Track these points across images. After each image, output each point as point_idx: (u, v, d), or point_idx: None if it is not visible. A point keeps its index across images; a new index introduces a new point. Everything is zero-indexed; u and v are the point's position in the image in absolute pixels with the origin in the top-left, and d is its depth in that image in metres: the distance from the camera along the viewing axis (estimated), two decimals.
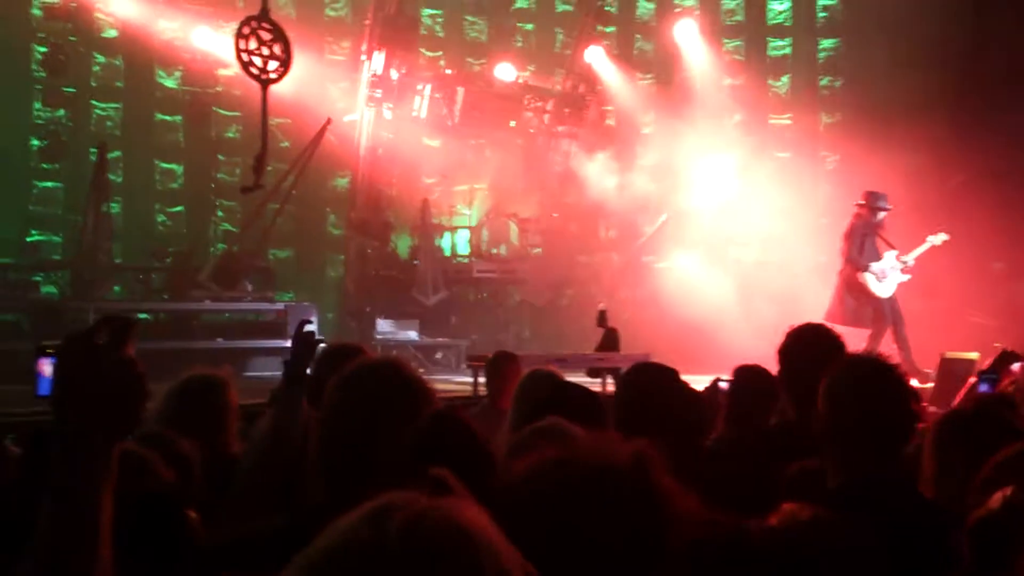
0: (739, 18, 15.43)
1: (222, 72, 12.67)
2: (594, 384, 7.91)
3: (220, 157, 13.35)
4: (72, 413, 1.39)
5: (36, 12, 12.34)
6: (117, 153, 12.61)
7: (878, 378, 2.34)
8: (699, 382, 3.95)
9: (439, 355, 12.42)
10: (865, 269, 9.80)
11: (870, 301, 9.80)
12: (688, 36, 14.62)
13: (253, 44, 10.41)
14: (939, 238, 9.97)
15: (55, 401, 1.41)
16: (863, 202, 9.97)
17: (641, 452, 1.47)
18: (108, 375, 1.41)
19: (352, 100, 13.28)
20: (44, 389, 1.53)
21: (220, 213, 13.33)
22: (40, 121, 12.36)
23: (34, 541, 1.36)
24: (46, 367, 1.51)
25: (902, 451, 2.39)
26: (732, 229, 13.15)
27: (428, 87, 13.57)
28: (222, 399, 3.79)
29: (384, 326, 12.14)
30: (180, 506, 2.21)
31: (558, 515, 1.42)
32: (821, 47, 15.31)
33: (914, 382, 8.13)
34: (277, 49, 10.41)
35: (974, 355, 7.23)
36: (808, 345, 3.45)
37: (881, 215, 9.94)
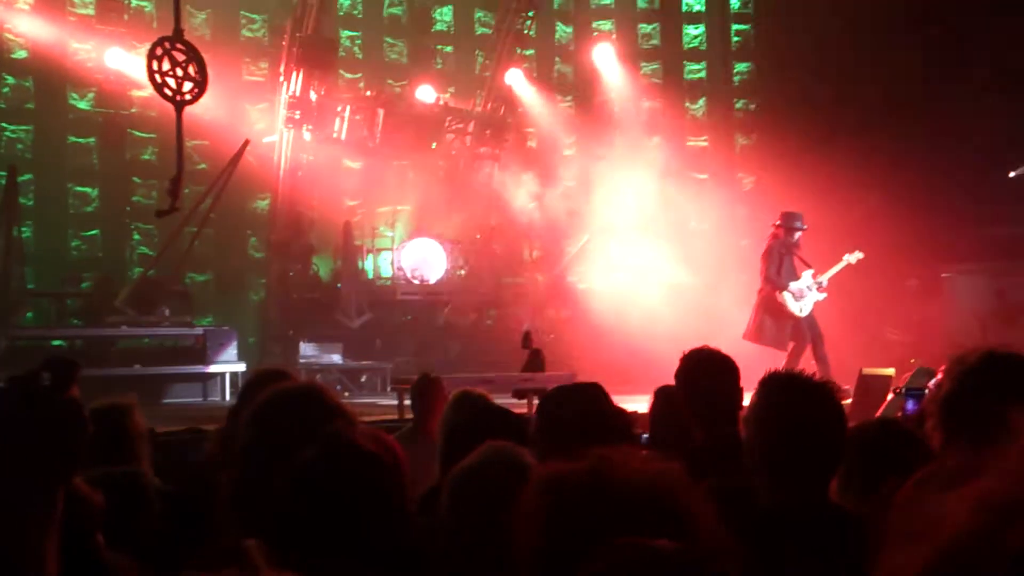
0: (655, 42, 15.69)
1: (136, 93, 12.43)
2: (520, 406, 7.91)
3: (136, 180, 13.06)
4: (16, 458, 1.35)
5: None
6: (28, 176, 12.26)
7: (810, 400, 2.37)
8: (628, 402, 3.99)
9: (364, 378, 12.32)
10: (783, 289, 10.00)
11: (788, 320, 10.00)
12: (606, 59, 14.83)
13: (167, 65, 10.24)
14: (854, 256, 10.22)
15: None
16: (779, 222, 10.18)
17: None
18: (51, 419, 1.38)
19: (271, 121, 13.15)
20: None
21: (137, 236, 13.03)
22: None
23: None
24: None
25: (834, 471, 2.42)
26: (654, 249, 13.32)
27: (348, 108, 13.50)
28: (129, 426, 3.70)
29: (307, 350, 12.01)
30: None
31: None
32: (736, 70, 15.65)
33: None
34: (191, 70, 10.25)
35: (890, 371, 7.44)
36: (703, 367, 3.55)
37: (797, 235, 10.16)
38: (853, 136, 12.72)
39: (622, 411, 3.47)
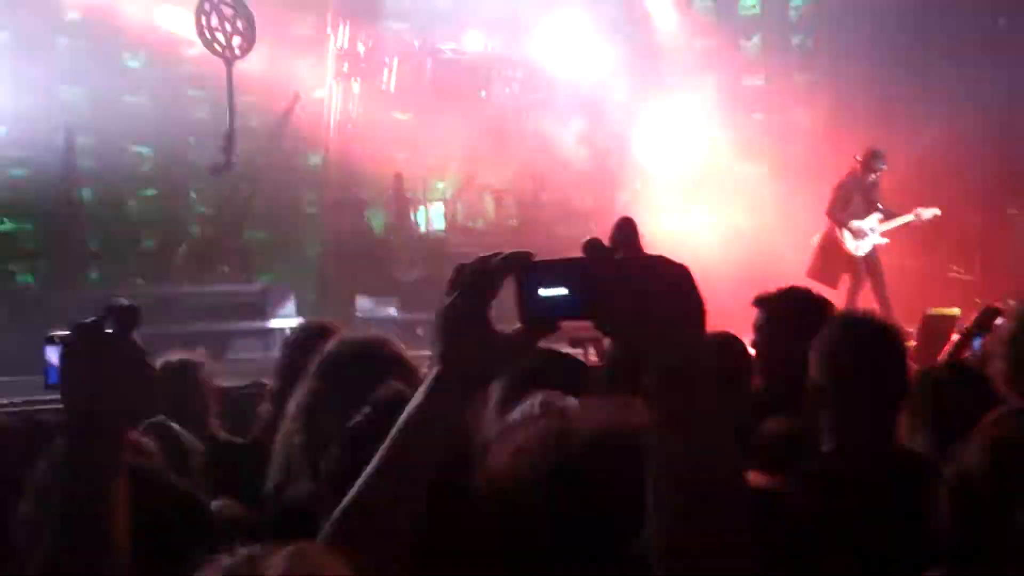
0: None
1: (189, 52, 12.48)
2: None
3: (190, 140, 13.18)
4: (84, 402, 1.39)
5: None
6: (85, 138, 12.42)
7: (879, 341, 2.31)
8: None
9: (420, 331, 12.37)
10: (843, 225, 9.81)
11: (845, 257, 9.81)
12: None
13: (215, 21, 10.28)
14: (929, 213, 9.93)
15: (65, 390, 1.41)
16: (859, 158, 9.93)
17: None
18: (117, 363, 1.42)
19: (320, 75, 13.13)
20: (53, 378, 1.52)
21: (193, 195, 13.17)
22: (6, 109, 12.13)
23: (48, 529, 1.36)
24: (53, 356, 1.50)
25: (898, 412, 2.37)
26: (708, 192, 13.13)
27: (396, 60, 13.43)
28: (199, 382, 3.79)
29: (364, 303, 12.08)
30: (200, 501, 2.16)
31: (555, 497, 1.30)
32: (792, 4, 15.23)
33: None
34: (239, 25, 10.28)
35: (956, 311, 7.27)
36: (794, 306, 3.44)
37: (874, 175, 9.91)
38: (915, 70, 12.35)
39: None
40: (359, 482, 1.29)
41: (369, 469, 1.29)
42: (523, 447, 1.39)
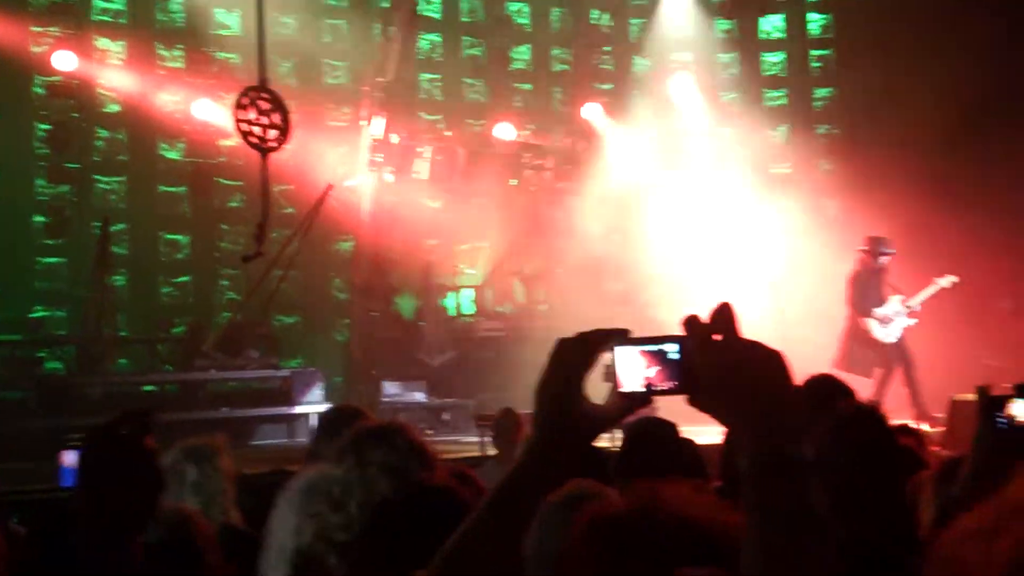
0: (734, 71, 15.55)
1: (224, 143, 12.79)
2: (602, 439, 7.82)
3: (224, 227, 13.42)
4: (98, 504, 1.41)
5: (38, 90, 12.49)
6: (121, 226, 12.68)
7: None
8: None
9: (446, 416, 12.34)
10: (867, 315, 9.75)
11: (875, 347, 9.74)
12: (685, 90, 14.74)
13: (252, 114, 10.54)
14: (947, 280, 9.92)
15: (80, 492, 1.44)
16: (865, 248, 9.95)
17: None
18: (130, 467, 1.45)
19: (353, 165, 13.38)
20: (67, 480, 1.56)
21: (225, 282, 13.35)
22: (43, 198, 12.43)
23: None
24: (69, 458, 1.54)
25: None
26: (738, 277, 13.10)
27: (429, 149, 13.67)
28: (217, 467, 3.77)
29: (391, 388, 12.09)
30: None
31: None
32: (816, 96, 15.40)
33: (924, 426, 8.07)
34: (276, 118, 10.53)
35: None
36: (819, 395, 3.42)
37: (883, 260, 9.92)
38: (938, 156, 12.39)
39: (693, 445, 3.42)
40: (449, 547, 1.31)
41: (458, 535, 1.32)
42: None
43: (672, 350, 1.28)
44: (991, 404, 2.31)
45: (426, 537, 1.99)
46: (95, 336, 11.29)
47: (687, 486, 1.44)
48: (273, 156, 10.88)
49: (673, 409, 1.30)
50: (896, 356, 9.71)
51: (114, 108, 12.86)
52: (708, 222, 13.31)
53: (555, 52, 15.52)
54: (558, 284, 14.20)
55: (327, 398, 11.41)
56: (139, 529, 1.48)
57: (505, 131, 14.16)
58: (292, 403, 10.98)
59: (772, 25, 15.48)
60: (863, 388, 8.53)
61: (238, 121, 10.56)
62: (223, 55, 13.35)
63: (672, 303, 13.35)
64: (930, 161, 12.44)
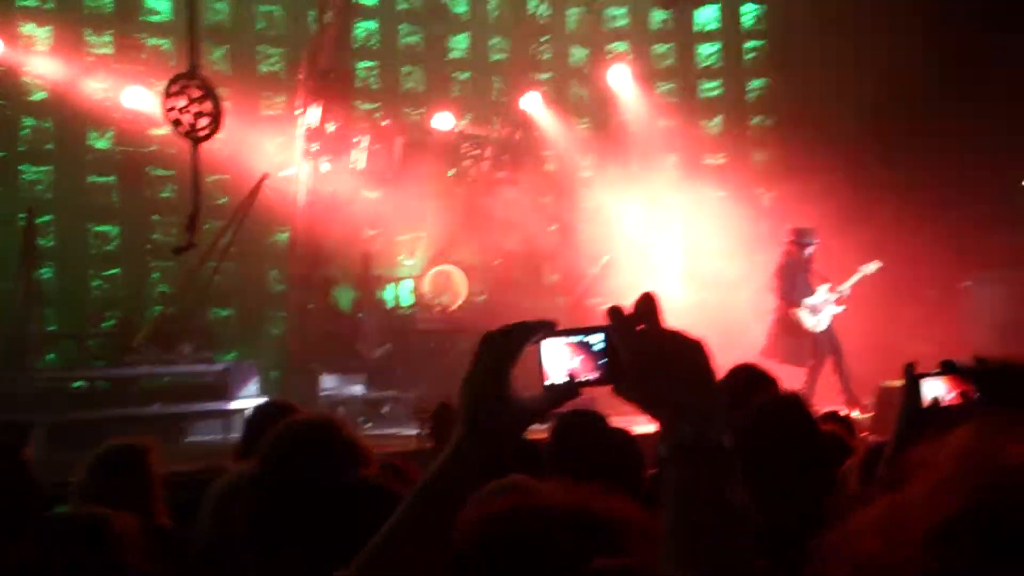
0: (670, 62, 15.66)
1: (155, 131, 12.53)
2: (541, 431, 7.83)
3: (155, 218, 13.15)
4: None
5: None
6: (48, 217, 12.37)
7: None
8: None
9: (386, 409, 12.27)
10: (796, 305, 9.89)
11: (806, 337, 9.88)
12: (622, 81, 14.82)
13: (182, 102, 10.34)
14: (872, 266, 10.11)
15: None
16: (791, 239, 10.09)
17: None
18: (2, 476, 1.41)
19: (288, 154, 13.20)
20: None
21: (157, 275, 13.10)
22: None
23: None
24: None
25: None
26: (672, 268, 13.23)
27: (365, 139, 13.54)
28: (144, 468, 3.69)
29: (329, 382, 11.97)
30: None
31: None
32: (750, 87, 15.57)
33: (856, 413, 8.22)
34: (207, 106, 10.35)
35: None
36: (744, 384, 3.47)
37: (809, 250, 10.07)
38: (869, 146, 12.61)
39: (626, 434, 3.43)
40: (373, 544, 1.29)
41: (384, 531, 1.29)
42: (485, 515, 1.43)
43: (597, 341, 1.29)
44: (915, 382, 2.35)
45: (352, 534, 1.96)
46: (21, 331, 11.00)
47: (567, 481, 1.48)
48: (206, 145, 10.70)
49: (615, 400, 1.31)
50: (826, 344, 9.87)
51: (40, 96, 12.52)
52: (643, 212, 13.39)
53: (493, 41, 15.46)
54: (496, 275, 14.20)
55: (263, 392, 11.27)
56: (11, 536, 1.45)
57: (443, 121, 14.08)
58: (228, 398, 10.81)
59: (707, 16, 15.61)
60: (795, 377, 8.66)
61: (168, 109, 10.36)
62: (154, 41, 13.08)
63: (609, 293, 13.44)
64: (862, 150, 12.66)
